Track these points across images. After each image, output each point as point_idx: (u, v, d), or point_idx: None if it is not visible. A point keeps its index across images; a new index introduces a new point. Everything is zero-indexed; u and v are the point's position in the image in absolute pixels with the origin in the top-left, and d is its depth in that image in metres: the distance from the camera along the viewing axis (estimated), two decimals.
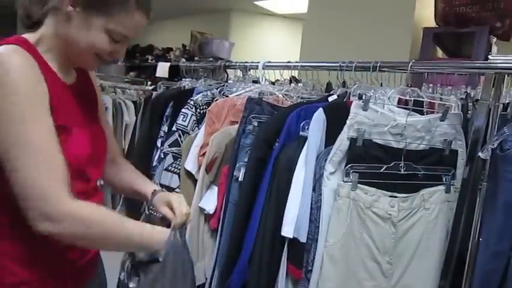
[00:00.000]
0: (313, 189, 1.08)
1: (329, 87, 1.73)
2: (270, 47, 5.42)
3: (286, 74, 1.79)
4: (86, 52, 0.83)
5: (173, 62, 5.55)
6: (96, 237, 0.77)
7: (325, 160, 1.08)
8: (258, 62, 1.53)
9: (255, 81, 1.65)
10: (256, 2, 4.94)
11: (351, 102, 1.12)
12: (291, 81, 1.81)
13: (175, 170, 1.50)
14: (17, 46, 0.75)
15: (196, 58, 5.15)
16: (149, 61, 6.15)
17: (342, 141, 1.07)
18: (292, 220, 1.06)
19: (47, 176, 0.71)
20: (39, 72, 0.76)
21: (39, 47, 0.82)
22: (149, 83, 5.34)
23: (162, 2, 5.35)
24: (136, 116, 3.55)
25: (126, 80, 5.68)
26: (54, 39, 0.83)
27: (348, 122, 1.08)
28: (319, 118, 1.09)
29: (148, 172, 1.64)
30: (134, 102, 3.76)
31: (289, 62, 1.48)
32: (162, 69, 5.58)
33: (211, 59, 5.03)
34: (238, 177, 1.29)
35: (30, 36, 0.82)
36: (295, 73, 1.96)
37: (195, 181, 1.45)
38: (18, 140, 0.70)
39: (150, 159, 1.66)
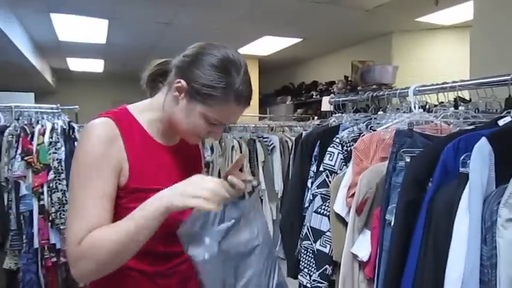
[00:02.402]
0: (484, 241, 0.85)
1: (509, 104, 1.40)
2: (439, 63, 4.87)
3: (452, 94, 1.53)
4: (186, 131, 0.93)
5: (336, 95, 5.58)
6: (107, 258, 0.78)
7: (498, 203, 0.84)
8: (408, 88, 1.35)
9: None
10: (418, 19, 4.56)
11: None
12: (456, 103, 1.54)
13: (325, 212, 1.43)
14: (107, 119, 0.88)
15: (358, 87, 5.03)
16: (314, 97, 6.33)
17: None
18: (457, 281, 0.85)
19: (77, 226, 0.80)
20: (119, 142, 0.87)
21: (143, 114, 0.95)
22: (315, 117, 5.46)
23: (322, 38, 5.51)
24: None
25: (294, 117, 5.96)
26: (161, 111, 0.95)
27: None
28: (482, 149, 0.87)
29: (300, 213, 1.61)
30: None
31: (444, 82, 1.25)
32: (327, 103, 5.67)
33: (374, 86, 4.84)
34: (390, 222, 1.13)
35: (138, 105, 0.97)
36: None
37: (346, 224, 1.35)
38: (73, 194, 0.84)
39: (302, 200, 1.63)
